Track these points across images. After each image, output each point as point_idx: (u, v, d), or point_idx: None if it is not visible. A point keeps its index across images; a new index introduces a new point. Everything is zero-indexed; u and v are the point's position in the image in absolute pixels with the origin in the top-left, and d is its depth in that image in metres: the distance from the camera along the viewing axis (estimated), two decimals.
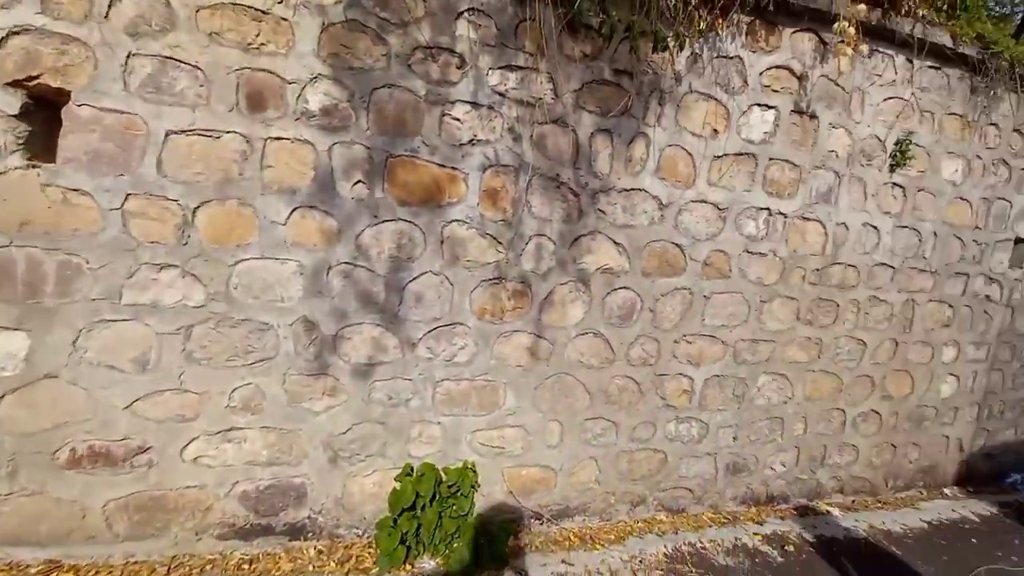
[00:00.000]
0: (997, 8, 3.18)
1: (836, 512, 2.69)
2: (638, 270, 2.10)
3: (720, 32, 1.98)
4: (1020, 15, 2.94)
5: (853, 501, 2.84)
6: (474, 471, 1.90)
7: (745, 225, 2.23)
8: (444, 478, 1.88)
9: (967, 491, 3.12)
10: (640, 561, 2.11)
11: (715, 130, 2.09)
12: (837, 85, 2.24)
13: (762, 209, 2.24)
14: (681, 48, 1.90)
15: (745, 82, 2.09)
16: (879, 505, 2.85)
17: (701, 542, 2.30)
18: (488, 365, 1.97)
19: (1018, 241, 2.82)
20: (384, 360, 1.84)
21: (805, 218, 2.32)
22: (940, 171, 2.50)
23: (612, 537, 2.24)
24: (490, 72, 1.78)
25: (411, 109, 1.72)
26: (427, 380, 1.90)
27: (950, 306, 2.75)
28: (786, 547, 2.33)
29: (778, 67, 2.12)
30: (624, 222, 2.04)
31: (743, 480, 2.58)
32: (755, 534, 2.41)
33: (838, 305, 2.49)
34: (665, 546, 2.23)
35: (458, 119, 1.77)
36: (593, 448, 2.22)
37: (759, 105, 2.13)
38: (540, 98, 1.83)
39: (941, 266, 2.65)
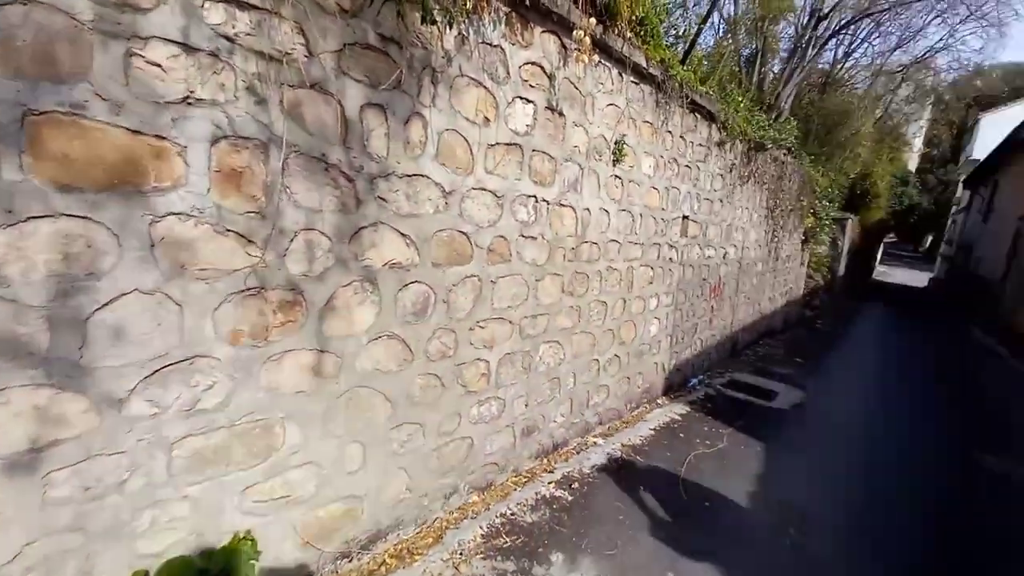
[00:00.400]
0: (671, 38, 4.26)
1: (600, 441, 3.33)
2: (428, 261, 1.98)
3: (483, 16, 1.97)
4: (683, 45, 4.04)
5: (608, 428, 3.56)
6: (251, 540, 1.46)
7: (519, 211, 2.38)
8: (207, 566, 1.38)
9: (670, 398, 4.34)
10: (460, 553, 2.10)
11: (486, 118, 2.12)
12: (576, 88, 2.58)
13: (530, 196, 2.43)
14: (450, 25, 1.80)
15: (508, 73, 2.17)
16: (624, 425, 3.66)
17: (510, 508, 2.46)
18: (255, 401, 1.53)
19: (684, 218, 3.96)
20: (65, 436, 1.19)
21: (562, 204, 2.65)
22: (641, 166, 3.24)
23: (430, 540, 2.15)
24: (208, 4, 1.28)
25: (67, 40, 1.09)
26: (155, 445, 1.34)
27: (651, 268, 3.67)
28: (572, 485, 2.74)
29: (533, 63, 2.28)
30: (409, 211, 1.88)
31: (535, 439, 2.88)
32: (550, 483, 2.74)
33: (588, 276, 2.99)
34: (481, 526, 2.29)
35: (158, 65, 1.22)
36: (401, 457, 2.05)
37: (521, 98, 2.26)
38: (288, 53, 1.44)
39: (645, 239, 3.48)
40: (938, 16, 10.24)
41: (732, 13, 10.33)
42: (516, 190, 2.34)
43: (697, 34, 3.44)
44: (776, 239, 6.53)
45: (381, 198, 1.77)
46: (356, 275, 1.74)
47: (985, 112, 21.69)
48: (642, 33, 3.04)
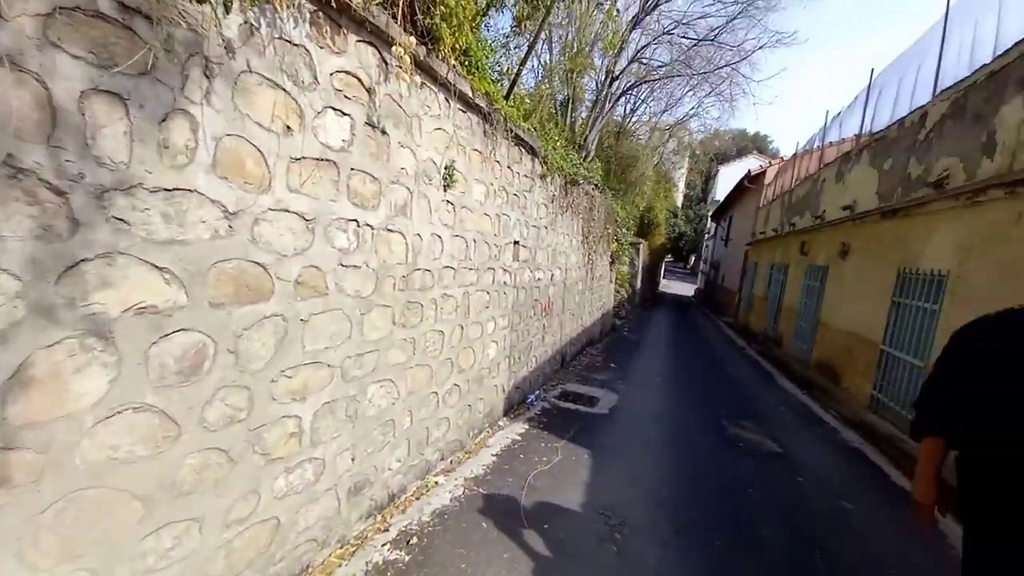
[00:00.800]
0: (495, 74, 4.44)
1: (442, 480, 3.13)
2: (203, 301, 1.53)
3: (279, 9, 1.66)
4: (506, 82, 4.25)
5: (451, 462, 3.40)
6: None
7: (336, 237, 2.08)
8: None
9: (511, 418, 4.42)
10: None
11: (288, 126, 1.78)
12: (400, 107, 2.43)
13: (351, 220, 2.15)
14: (227, 8, 1.45)
15: (316, 79, 1.89)
16: (467, 455, 3.55)
17: None
18: None
19: (515, 243, 4.13)
20: None
21: (390, 230, 2.43)
22: (473, 193, 3.25)
23: None
24: None
25: None
26: None
27: (487, 293, 3.70)
28: (411, 541, 2.46)
29: (348, 73, 2.04)
30: (170, 236, 1.41)
31: (367, 495, 2.53)
32: (384, 545, 2.41)
33: (422, 306, 2.81)
34: None
35: None
36: (164, 572, 1.50)
37: (334, 109, 1.99)
38: None
39: (480, 264, 3.49)
40: (691, 90, 13.48)
41: (548, 61, 11.73)
42: (332, 213, 2.04)
43: (518, 74, 3.68)
44: (591, 261, 7.44)
45: (120, 219, 1.29)
46: (73, 329, 1.21)
47: (721, 165, 29.40)
48: (467, 63, 3.07)
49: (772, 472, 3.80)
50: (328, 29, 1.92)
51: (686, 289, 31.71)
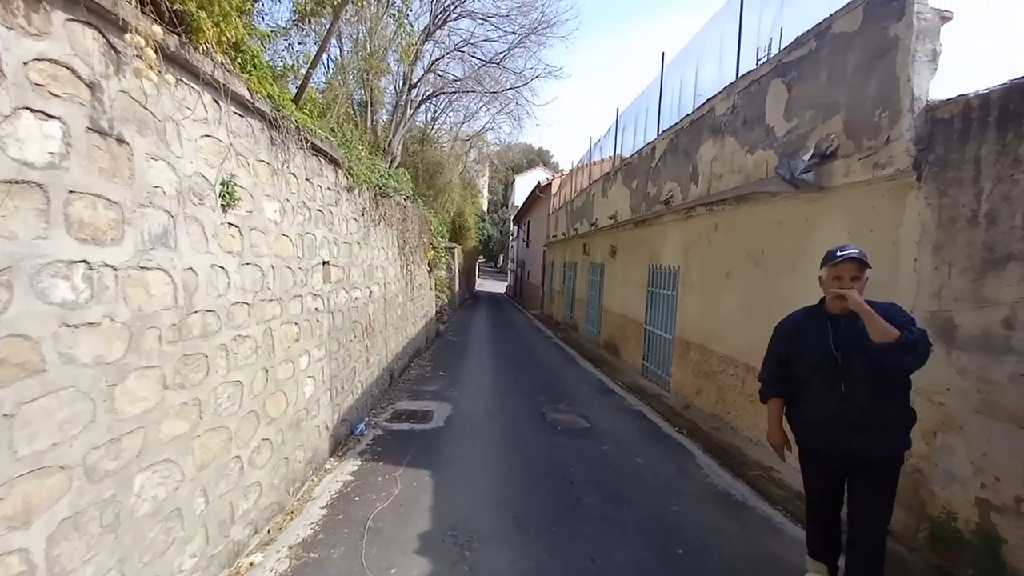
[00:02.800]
0: (280, 68, 3.83)
1: (260, 558, 2.61)
2: None
3: None
4: (296, 83, 3.70)
5: (269, 531, 2.86)
6: None
7: (53, 288, 1.48)
8: None
9: (339, 456, 3.97)
10: None
11: None
12: (146, 109, 1.88)
13: (76, 263, 1.56)
14: None
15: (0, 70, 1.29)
16: (290, 517, 3.04)
17: None
18: None
19: (324, 263, 3.72)
20: None
21: (144, 268, 1.87)
22: (264, 211, 2.78)
23: None
24: None
25: None
26: None
27: (296, 324, 3.23)
28: None
29: (55, 62, 1.47)
30: None
31: None
32: None
33: (207, 356, 2.27)
34: None
35: None
36: None
37: (34, 110, 1.40)
38: None
39: (283, 293, 3.02)
40: (484, 106, 14.55)
41: (340, 58, 10.96)
42: (41, 255, 1.44)
43: (307, 77, 3.29)
44: (410, 272, 7.31)
45: None
46: None
47: (517, 175, 32.71)
48: (240, 60, 2.60)
49: (584, 445, 4.43)
50: (20, 2, 1.34)
51: (499, 287, 34.36)
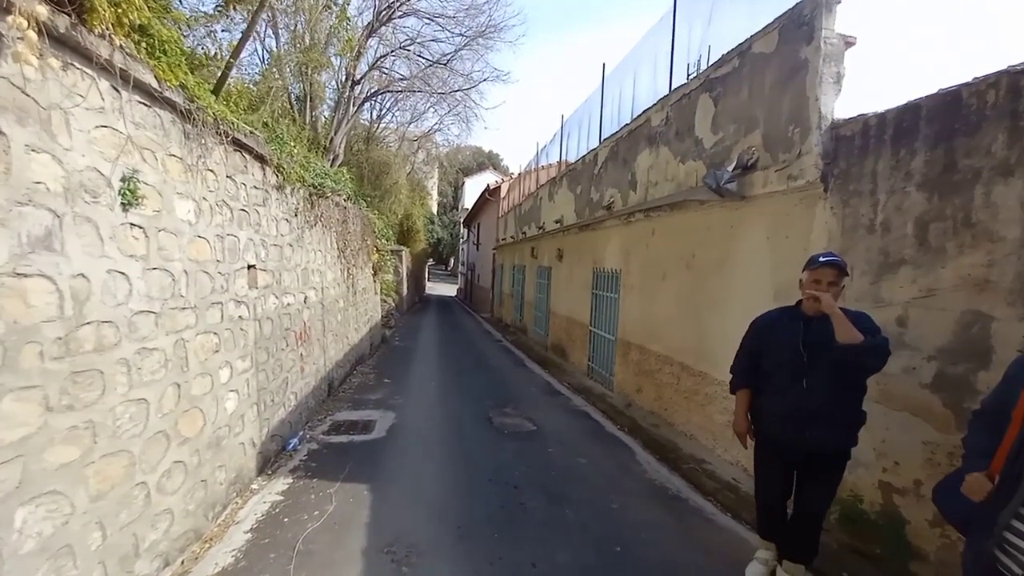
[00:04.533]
0: (200, 48, 3.49)
1: None
2: None
3: None
4: (220, 71, 3.37)
5: (183, 563, 2.60)
6: None
7: None
8: None
9: (268, 475, 3.70)
10: None
11: None
12: (28, 96, 1.64)
13: None
14: None
15: None
16: (208, 544, 2.78)
17: None
18: None
19: (250, 267, 3.46)
20: None
21: (21, 274, 1.63)
22: (176, 211, 2.53)
23: None
24: None
25: None
26: None
27: (215, 334, 2.97)
28: None
29: None
30: None
31: None
32: None
33: (102, 372, 2.02)
34: None
35: None
36: None
37: None
38: None
39: (199, 300, 2.77)
40: (432, 107, 14.32)
41: (276, 49, 10.35)
42: None
43: (228, 67, 3.04)
44: (351, 275, 7.02)
45: None
46: None
47: (467, 177, 32.51)
48: (148, 46, 2.35)
49: (529, 448, 4.44)
50: None
51: (450, 290, 33.95)
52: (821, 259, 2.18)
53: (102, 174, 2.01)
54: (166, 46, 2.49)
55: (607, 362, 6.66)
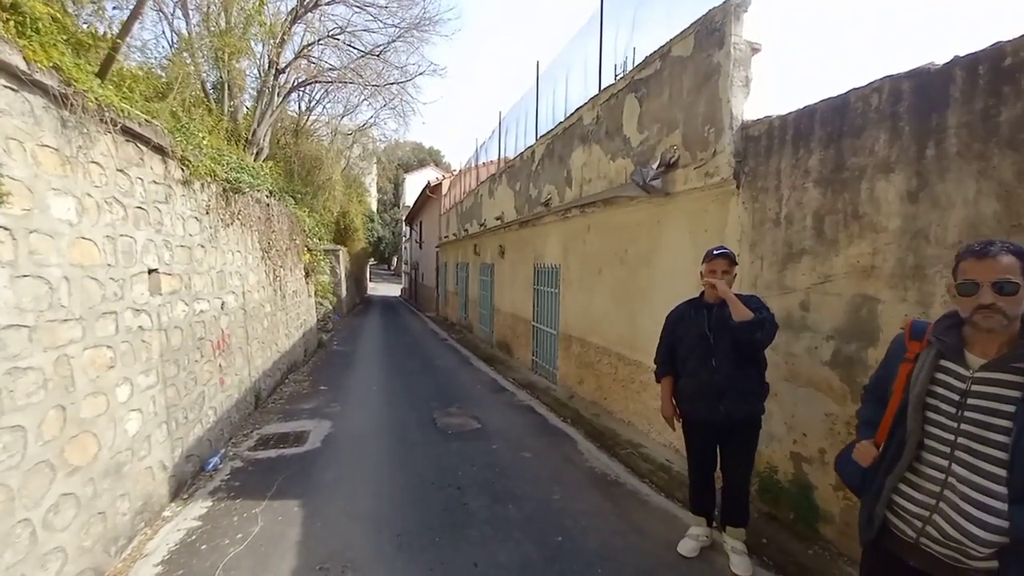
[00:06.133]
0: (88, 22, 3.06)
1: None
2: None
3: None
4: (108, 52, 2.91)
5: None
6: None
7: None
8: None
9: (183, 499, 3.37)
10: None
11: None
12: None
13: None
14: None
15: None
16: None
17: None
18: None
19: (151, 272, 3.11)
20: None
21: None
22: (52, 210, 2.20)
23: None
24: None
25: None
26: None
27: (110, 348, 2.64)
28: None
29: None
30: None
31: None
32: None
33: None
34: None
35: None
36: None
37: None
38: None
39: (86, 311, 2.44)
40: (366, 99, 13.74)
41: (186, 31, 9.41)
42: None
43: (114, 47, 2.68)
44: (279, 278, 6.57)
45: None
46: None
47: (407, 173, 31.64)
48: (17, 23, 2.03)
49: (474, 447, 4.40)
50: None
51: (394, 290, 32.97)
52: (714, 252, 2.48)
53: None
54: (39, 23, 2.16)
55: (550, 356, 6.77)
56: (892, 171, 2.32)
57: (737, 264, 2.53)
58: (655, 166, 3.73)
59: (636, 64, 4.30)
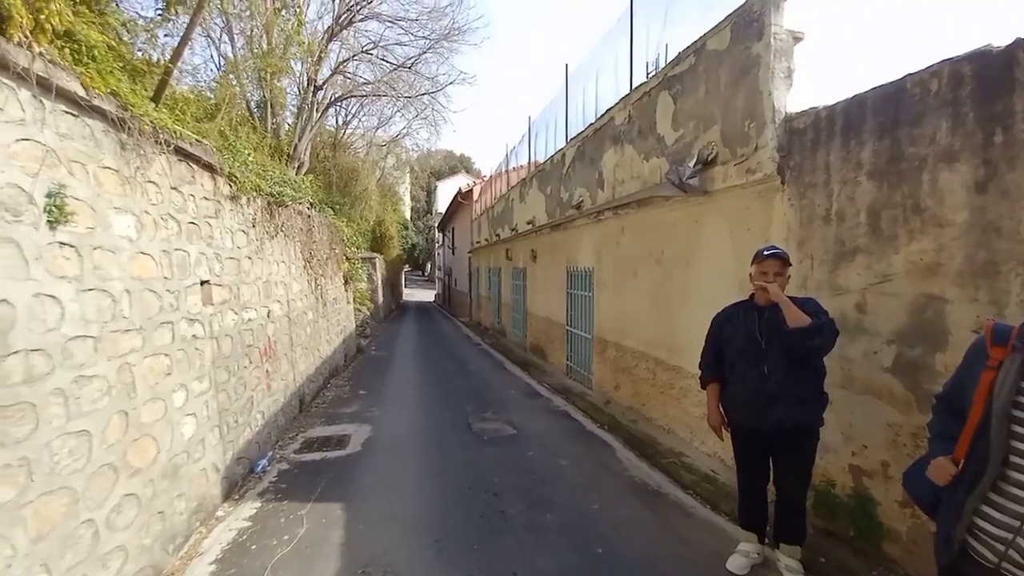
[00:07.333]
0: (143, 49, 3.29)
1: None
2: None
3: None
4: (160, 77, 3.13)
5: None
6: None
7: None
8: None
9: (234, 500, 3.52)
10: None
11: None
12: None
13: None
14: None
15: None
16: None
17: None
18: None
19: (204, 283, 3.29)
20: None
21: None
22: (113, 227, 2.37)
23: None
24: None
25: None
26: None
27: (167, 356, 2.81)
28: None
29: None
30: None
31: None
32: None
33: (34, 405, 1.86)
34: None
35: None
36: None
37: None
38: None
39: (145, 321, 2.60)
40: (399, 111, 14.12)
41: (232, 55, 9.99)
42: None
43: (167, 73, 2.87)
44: (320, 286, 6.81)
45: None
46: None
47: (439, 181, 32.26)
48: (73, 52, 2.20)
49: (510, 453, 4.38)
50: None
51: (428, 295, 33.60)
52: (765, 252, 2.34)
53: (24, 190, 1.85)
54: (95, 51, 2.33)
55: (585, 361, 6.67)
56: (957, 160, 2.14)
57: (791, 265, 2.38)
58: (692, 164, 3.61)
59: (669, 61, 4.19)
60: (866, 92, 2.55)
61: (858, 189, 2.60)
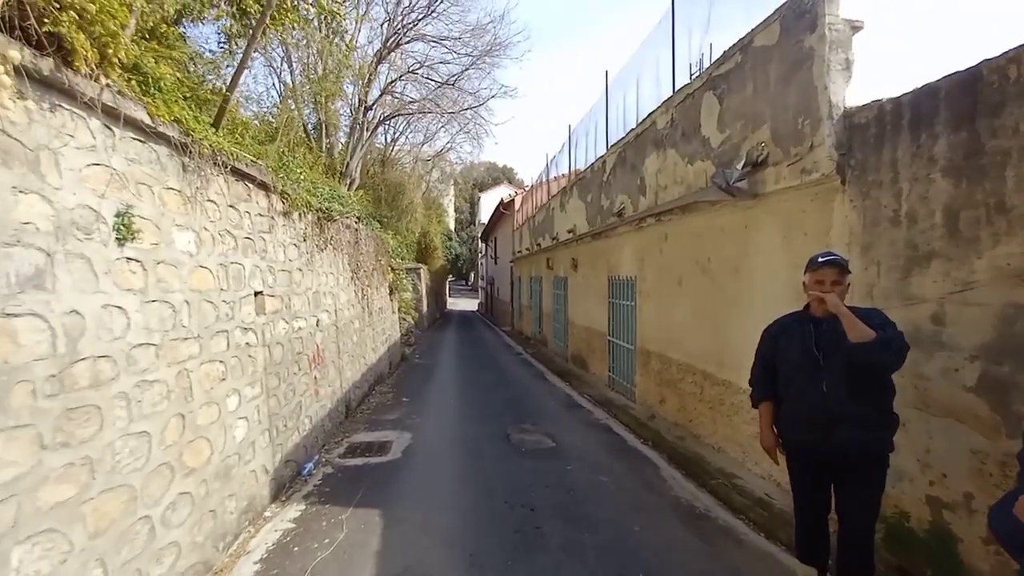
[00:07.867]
0: (210, 79, 3.61)
1: None
2: None
3: None
4: (220, 104, 3.42)
5: None
6: None
7: None
8: None
9: (281, 502, 3.67)
10: None
11: None
12: (12, 138, 1.68)
13: None
14: None
15: None
16: None
17: None
18: None
19: (257, 294, 3.49)
20: None
21: (11, 314, 1.64)
22: (176, 243, 2.56)
23: None
24: None
25: None
26: None
27: (222, 362, 2.99)
28: None
29: None
30: None
31: None
32: None
33: (99, 408, 2.02)
34: None
35: None
36: None
37: None
38: None
39: (203, 330, 2.79)
40: (443, 126, 14.59)
41: (291, 82, 10.75)
42: None
43: (225, 99, 3.11)
44: (366, 296, 7.07)
45: None
46: None
47: (481, 192, 32.87)
48: (142, 83, 2.42)
49: (548, 467, 4.28)
50: None
51: (471, 305, 34.09)
52: (820, 259, 2.13)
53: (95, 211, 2.04)
54: (161, 83, 2.56)
55: (628, 372, 6.45)
56: None
57: (850, 272, 2.16)
58: (740, 166, 3.41)
59: (713, 61, 4.01)
60: (937, 81, 2.29)
61: (932, 187, 2.33)
